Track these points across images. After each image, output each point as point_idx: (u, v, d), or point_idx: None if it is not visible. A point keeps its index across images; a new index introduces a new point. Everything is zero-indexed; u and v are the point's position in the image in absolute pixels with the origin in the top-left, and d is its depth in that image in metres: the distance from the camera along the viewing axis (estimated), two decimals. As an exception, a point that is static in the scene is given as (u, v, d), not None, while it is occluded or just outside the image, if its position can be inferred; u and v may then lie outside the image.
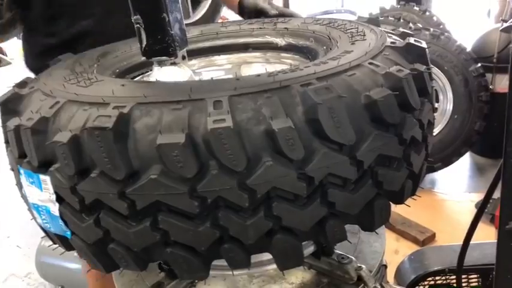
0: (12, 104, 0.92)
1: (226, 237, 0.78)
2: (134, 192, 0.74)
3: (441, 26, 3.83)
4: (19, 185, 0.93)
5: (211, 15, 3.11)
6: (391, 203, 0.88)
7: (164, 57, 1.03)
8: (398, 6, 4.44)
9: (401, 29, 1.12)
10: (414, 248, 2.62)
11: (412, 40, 0.98)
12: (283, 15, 1.49)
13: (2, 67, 5.31)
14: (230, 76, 1.35)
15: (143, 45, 1.02)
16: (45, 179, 0.82)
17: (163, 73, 1.04)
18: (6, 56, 5.42)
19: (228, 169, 0.71)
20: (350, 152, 0.77)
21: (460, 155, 3.28)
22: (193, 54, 1.31)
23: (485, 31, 3.59)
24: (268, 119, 0.72)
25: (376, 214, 0.85)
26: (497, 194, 1.26)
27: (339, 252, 1.10)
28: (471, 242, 1.41)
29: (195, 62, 1.34)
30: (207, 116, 0.71)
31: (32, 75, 1.30)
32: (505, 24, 3.06)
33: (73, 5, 1.57)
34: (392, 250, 2.65)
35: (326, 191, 0.78)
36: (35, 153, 0.81)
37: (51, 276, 2.77)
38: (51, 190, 0.82)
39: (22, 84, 1.00)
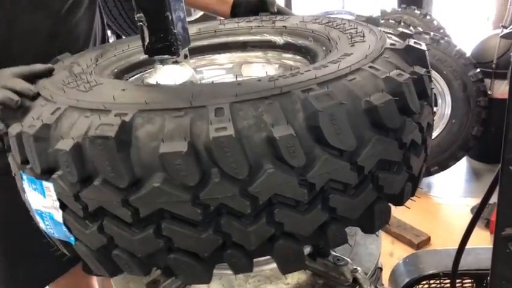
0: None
1: (229, 243, 0.79)
2: (137, 200, 0.75)
3: (441, 30, 3.83)
4: (22, 190, 0.92)
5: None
6: (391, 205, 0.89)
7: (166, 56, 1.03)
8: (399, 9, 4.44)
9: (400, 29, 1.12)
10: (409, 251, 2.63)
11: (411, 42, 0.98)
12: (281, 13, 1.47)
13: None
14: (231, 76, 1.36)
15: (145, 43, 1.02)
16: (48, 186, 0.82)
17: (165, 72, 1.04)
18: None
19: (230, 177, 0.72)
20: (351, 158, 0.77)
21: (457, 159, 3.28)
22: (192, 52, 1.30)
23: (484, 36, 3.60)
24: (270, 126, 0.72)
25: (376, 217, 0.86)
26: (493, 199, 1.27)
27: (335, 253, 1.10)
28: (466, 247, 1.42)
29: (193, 61, 1.34)
30: (209, 124, 0.71)
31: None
32: (505, 31, 3.07)
33: None
34: (387, 253, 2.65)
35: (327, 196, 0.79)
36: (37, 160, 0.81)
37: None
38: (54, 197, 0.82)
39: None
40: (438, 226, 2.93)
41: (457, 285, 1.69)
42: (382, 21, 3.72)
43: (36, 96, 0.92)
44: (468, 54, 3.34)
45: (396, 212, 0.95)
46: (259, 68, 1.34)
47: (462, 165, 3.67)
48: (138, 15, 0.99)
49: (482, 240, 2.56)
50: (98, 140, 0.71)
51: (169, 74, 1.04)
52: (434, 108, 3.18)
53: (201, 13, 3.10)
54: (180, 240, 0.78)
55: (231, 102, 0.75)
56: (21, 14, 1.27)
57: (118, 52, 1.22)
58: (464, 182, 3.60)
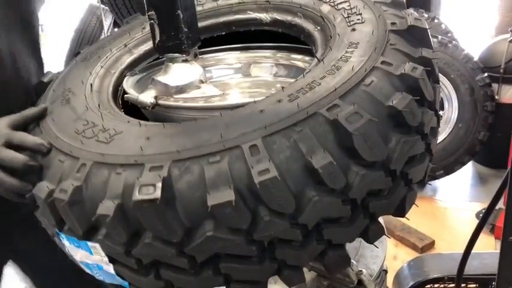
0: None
1: (284, 266, 0.81)
2: (192, 249, 0.75)
3: (449, 34, 3.81)
4: (61, 244, 0.89)
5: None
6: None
7: (177, 55, 1.03)
8: (407, 12, 4.41)
9: None
10: (413, 254, 2.61)
11: (412, 21, 0.94)
12: None
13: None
14: (240, 76, 1.33)
15: (156, 41, 1.01)
16: (95, 245, 0.80)
17: (174, 70, 1.04)
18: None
19: (278, 213, 0.73)
20: (383, 166, 0.80)
21: (463, 163, 3.27)
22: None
23: (492, 41, 3.58)
24: (307, 156, 0.73)
25: (407, 204, 0.90)
26: (498, 205, 1.27)
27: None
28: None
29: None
30: (250, 168, 0.71)
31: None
32: (514, 36, 3.06)
33: None
34: (391, 256, 2.64)
35: (367, 206, 0.82)
36: (77, 225, 0.78)
37: None
38: (103, 254, 0.81)
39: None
40: (443, 230, 2.92)
41: (462, 289, 1.69)
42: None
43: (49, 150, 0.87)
44: (476, 58, 3.32)
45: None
46: (268, 68, 1.32)
47: (468, 170, 3.65)
48: (149, 13, 0.98)
49: (487, 245, 2.55)
50: (144, 204, 0.70)
51: (178, 73, 1.04)
52: (441, 112, 3.17)
53: None
54: (239, 274, 0.79)
55: (262, 136, 0.74)
56: None
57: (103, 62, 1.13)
58: (469, 186, 3.58)
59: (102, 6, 2.96)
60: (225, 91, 1.24)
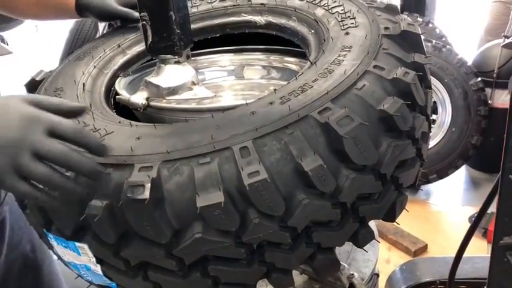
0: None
1: (273, 269, 0.82)
2: (181, 251, 0.75)
3: (443, 39, 3.82)
4: (48, 244, 0.89)
5: None
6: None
7: (169, 56, 1.02)
8: (402, 16, 4.43)
9: (384, 1, 1.07)
10: (406, 258, 2.61)
11: (405, 26, 0.95)
12: None
13: (2, 55, 5.27)
14: (233, 78, 1.34)
15: (148, 42, 1.01)
16: (83, 246, 0.79)
17: (166, 72, 1.04)
18: (8, 45, 5.38)
19: (268, 215, 0.73)
20: (373, 169, 0.80)
21: (456, 167, 3.27)
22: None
23: (486, 46, 3.60)
24: (297, 158, 0.73)
25: (397, 209, 0.91)
26: (490, 209, 1.27)
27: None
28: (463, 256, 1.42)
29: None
30: (240, 169, 0.70)
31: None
32: (507, 40, 3.07)
33: None
34: (384, 259, 2.64)
35: (357, 209, 0.82)
36: (65, 224, 0.79)
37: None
38: (91, 254, 0.80)
39: None
40: (435, 234, 2.92)
41: (453, 293, 1.69)
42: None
43: None
44: (469, 63, 3.34)
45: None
46: (260, 71, 1.32)
47: (461, 174, 3.65)
48: (141, 14, 0.98)
49: (479, 249, 2.55)
50: (132, 204, 0.70)
51: (171, 74, 1.04)
52: (434, 116, 3.18)
53: None
54: (227, 277, 0.79)
55: (253, 138, 0.74)
56: None
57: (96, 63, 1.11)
58: (462, 190, 3.59)
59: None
60: (218, 93, 1.24)
